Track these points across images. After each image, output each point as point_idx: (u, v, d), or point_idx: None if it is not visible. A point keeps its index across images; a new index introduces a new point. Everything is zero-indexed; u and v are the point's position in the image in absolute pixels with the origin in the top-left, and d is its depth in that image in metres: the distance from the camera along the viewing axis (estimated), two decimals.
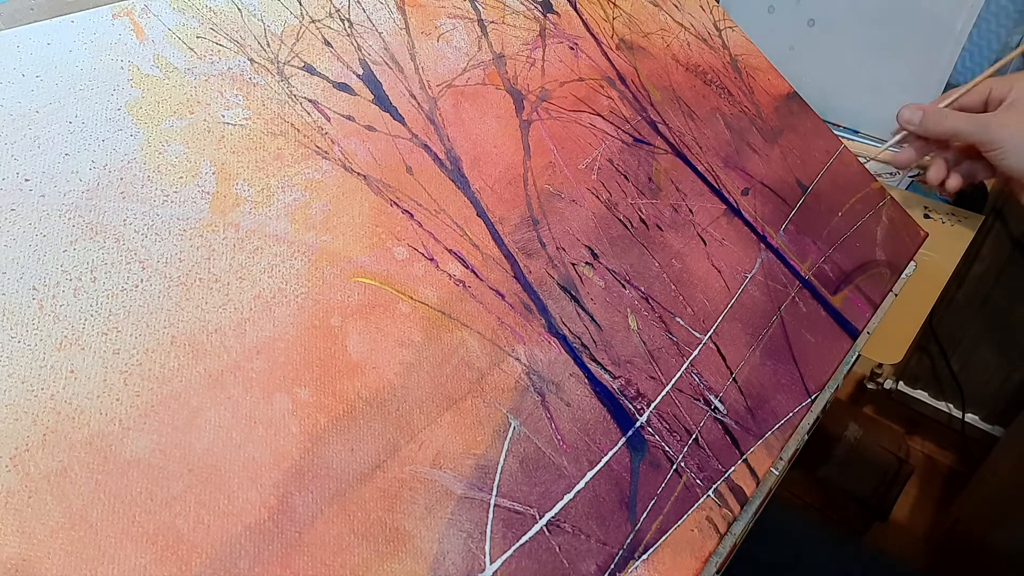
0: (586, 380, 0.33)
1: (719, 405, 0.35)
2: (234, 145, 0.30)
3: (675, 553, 0.30)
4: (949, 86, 0.66)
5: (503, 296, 0.33)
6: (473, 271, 0.33)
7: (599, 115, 0.42)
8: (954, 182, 0.54)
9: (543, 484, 0.29)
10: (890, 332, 0.82)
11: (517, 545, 0.28)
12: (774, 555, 0.60)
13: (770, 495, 0.35)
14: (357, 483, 0.26)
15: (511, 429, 0.30)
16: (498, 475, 0.29)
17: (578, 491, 0.30)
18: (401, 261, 0.31)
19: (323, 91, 0.33)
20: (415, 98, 0.36)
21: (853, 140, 0.85)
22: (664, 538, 0.30)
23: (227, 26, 0.32)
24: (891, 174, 0.81)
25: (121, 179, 0.27)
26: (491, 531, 0.27)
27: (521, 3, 0.43)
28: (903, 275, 0.48)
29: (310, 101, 0.33)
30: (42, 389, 0.23)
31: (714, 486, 0.33)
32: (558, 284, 0.35)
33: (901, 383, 1.23)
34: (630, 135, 0.43)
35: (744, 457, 0.34)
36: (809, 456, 0.99)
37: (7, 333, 0.23)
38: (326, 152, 0.32)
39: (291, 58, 0.33)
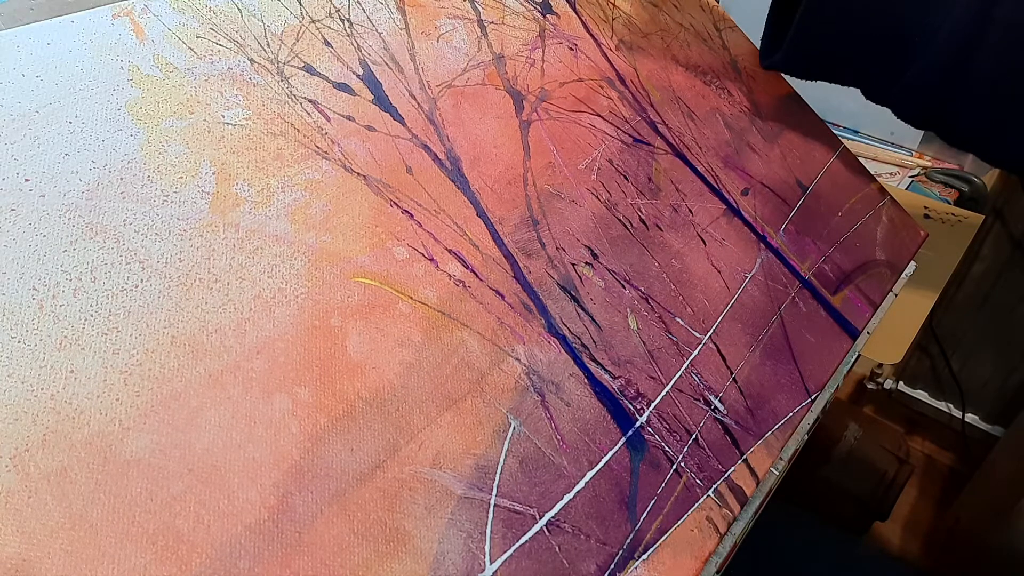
0: (586, 380, 0.33)
1: (719, 405, 0.35)
2: (234, 145, 0.30)
3: (675, 553, 0.30)
4: None
5: (503, 296, 0.33)
6: (473, 271, 0.33)
7: (599, 115, 0.42)
8: None
9: (543, 484, 0.29)
10: (890, 332, 0.82)
11: (517, 545, 0.28)
12: (774, 555, 0.60)
13: (770, 495, 0.35)
14: (357, 483, 0.26)
15: (511, 429, 0.30)
16: (498, 475, 0.29)
17: (578, 491, 0.30)
18: (401, 261, 0.31)
19: (323, 91, 0.33)
20: (415, 98, 0.36)
21: (853, 140, 0.85)
22: (664, 538, 0.30)
23: (227, 26, 0.32)
24: (891, 174, 0.81)
25: (121, 179, 0.27)
26: (491, 531, 0.27)
27: (521, 4, 0.43)
28: (903, 275, 0.48)
29: (310, 101, 0.33)
30: (42, 389, 0.23)
31: (714, 486, 0.33)
32: (558, 284, 0.35)
33: (901, 383, 1.23)
34: (630, 135, 0.43)
35: (744, 457, 0.34)
36: (809, 456, 0.99)
37: (7, 333, 0.23)
38: (326, 152, 0.32)
39: (291, 58, 0.33)
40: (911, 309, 0.81)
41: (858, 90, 0.46)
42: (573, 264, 0.36)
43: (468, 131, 0.37)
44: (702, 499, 0.32)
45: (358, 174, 0.32)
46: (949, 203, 0.76)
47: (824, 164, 0.50)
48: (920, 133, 0.83)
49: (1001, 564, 0.89)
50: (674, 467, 0.32)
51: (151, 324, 0.26)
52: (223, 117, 0.30)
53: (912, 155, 0.84)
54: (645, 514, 0.30)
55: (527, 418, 0.30)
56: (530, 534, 0.28)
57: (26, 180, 0.26)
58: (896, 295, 0.47)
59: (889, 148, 0.85)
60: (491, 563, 0.27)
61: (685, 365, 0.36)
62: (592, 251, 0.37)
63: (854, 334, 0.43)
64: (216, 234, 0.28)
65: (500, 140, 0.37)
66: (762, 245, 0.43)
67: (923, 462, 1.25)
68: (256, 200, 0.30)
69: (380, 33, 0.37)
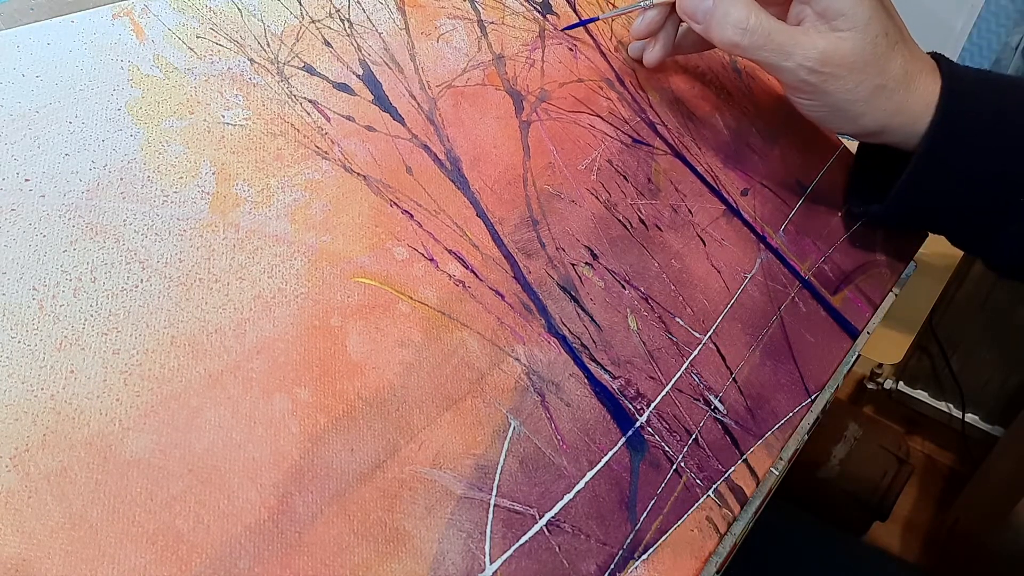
0: (586, 380, 0.33)
1: (719, 405, 0.35)
2: (234, 145, 0.30)
3: (675, 553, 0.30)
4: None
5: (503, 296, 0.33)
6: (473, 271, 0.33)
7: (598, 116, 0.42)
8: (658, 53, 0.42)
9: (543, 484, 0.29)
10: (890, 332, 0.82)
11: (517, 545, 0.28)
12: (774, 555, 0.60)
13: (770, 495, 0.35)
14: (357, 483, 0.26)
15: (511, 429, 0.30)
16: (498, 475, 0.29)
17: (578, 491, 0.30)
18: (401, 261, 0.31)
19: (323, 91, 0.33)
20: (415, 98, 0.36)
21: (853, 140, 0.85)
22: (664, 538, 0.30)
23: (227, 26, 0.32)
24: None
25: (121, 179, 0.27)
26: (491, 531, 0.27)
27: (521, 4, 0.43)
28: (903, 275, 0.48)
29: (310, 101, 0.33)
30: (42, 389, 0.23)
31: (714, 486, 0.33)
32: (558, 284, 0.35)
33: (901, 383, 1.23)
34: (629, 136, 0.43)
35: (744, 457, 0.34)
36: (809, 456, 0.99)
37: (7, 333, 0.23)
38: (326, 152, 0.32)
39: (291, 58, 0.33)
40: (911, 309, 0.81)
41: None
42: (573, 264, 0.36)
43: (468, 131, 0.37)
44: (702, 499, 0.32)
45: (358, 174, 0.32)
46: None
47: (824, 164, 0.50)
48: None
49: (1001, 564, 0.89)
50: (674, 467, 0.32)
51: (151, 324, 0.26)
52: (223, 117, 0.30)
53: None
54: (645, 514, 0.30)
55: (527, 418, 0.31)
56: (530, 534, 0.28)
57: (26, 180, 0.26)
58: (896, 295, 0.47)
59: None
60: (491, 563, 0.27)
61: (685, 365, 0.36)
62: (592, 251, 0.37)
63: (854, 334, 0.43)
64: (216, 234, 0.28)
65: (500, 140, 0.38)
66: (762, 245, 0.43)
67: (923, 462, 1.25)
68: (256, 200, 0.30)
69: (380, 33, 0.37)
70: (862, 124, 0.40)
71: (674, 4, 0.41)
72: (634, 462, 0.32)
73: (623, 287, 0.37)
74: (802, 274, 0.43)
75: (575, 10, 0.45)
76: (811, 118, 0.42)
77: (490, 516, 0.28)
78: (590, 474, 0.30)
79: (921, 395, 1.21)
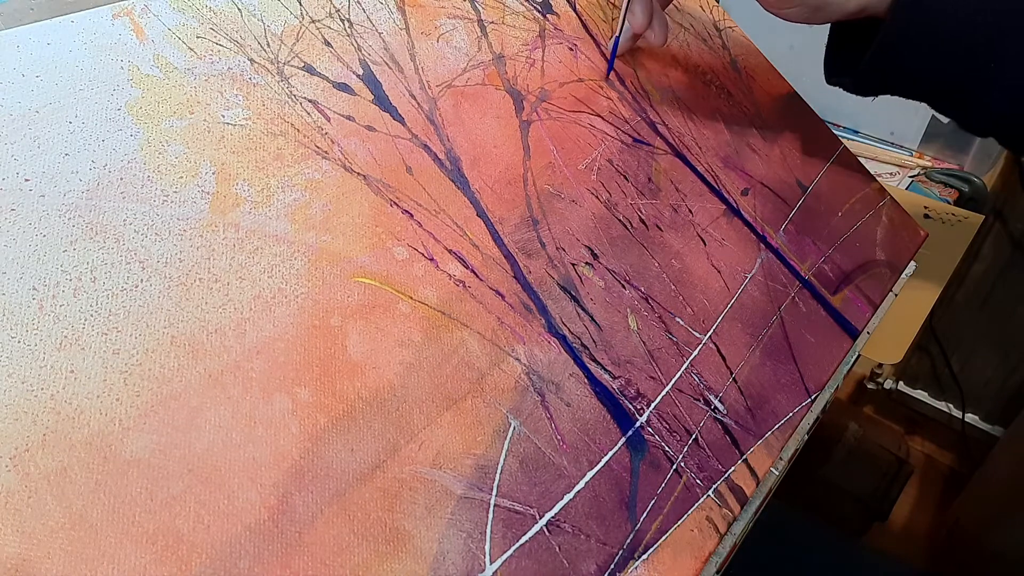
0: (586, 380, 0.33)
1: (719, 405, 0.35)
2: (234, 145, 0.30)
3: (675, 553, 0.30)
4: None
5: (503, 296, 0.33)
6: (473, 271, 0.33)
7: (598, 116, 0.42)
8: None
9: (543, 484, 0.29)
10: (890, 332, 0.82)
11: (517, 545, 0.28)
12: (774, 555, 0.60)
13: (770, 495, 0.35)
14: (357, 483, 0.26)
15: (511, 429, 0.30)
16: (498, 475, 0.29)
17: (578, 491, 0.30)
18: (401, 261, 0.31)
19: (323, 91, 0.33)
20: (415, 98, 0.36)
21: (853, 140, 0.85)
22: (664, 538, 0.30)
23: (227, 26, 0.32)
24: (891, 174, 0.81)
25: (121, 179, 0.27)
26: (491, 531, 0.27)
27: (521, 3, 0.43)
28: (903, 275, 0.48)
29: (310, 101, 0.33)
30: (42, 389, 0.23)
31: (714, 486, 0.33)
32: (558, 284, 0.35)
33: (901, 383, 1.23)
34: (630, 135, 0.43)
35: (744, 457, 0.34)
36: (809, 456, 0.99)
37: (7, 333, 0.23)
38: (326, 152, 0.32)
39: (291, 58, 0.33)
40: (911, 309, 0.81)
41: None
42: (573, 264, 0.36)
43: (468, 131, 0.37)
44: (702, 499, 0.32)
45: (358, 174, 0.32)
46: (949, 203, 0.76)
47: (824, 164, 0.50)
48: (920, 133, 0.83)
49: (1001, 564, 0.89)
50: (674, 467, 0.32)
51: (151, 324, 0.26)
52: (223, 117, 0.30)
53: (912, 155, 0.84)
54: (645, 514, 0.30)
55: (527, 418, 0.30)
56: (530, 534, 0.28)
57: (26, 180, 0.26)
58: (896, 295, 0.47)
59: (889, 148, 0.85)
60: (491, 563, 0.27)
61: (685, 365, 0.36)
62: (592, 251, 0.37)
63: (854, 334, 0.43)
64: (216, 234, 0.28)
65: (500, 140, 0.38)
66: (762, 245, 0.43)
67: (923, 462, 1.25)
68: (256, 200, 0.30)
69: (380, 33, 0.37)
70: (847, 8, 0.41)
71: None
72: (634, 462, 0.32)
73: (623, 287, 0.37)
74: (802, 274, 0.43)
75: (575, 10, 0.45)
76: (802, 21, 0.43)
77: (490, 516, 0.28)
78: (590, 474, 0.30)
79: (921, 395, 1.22)
